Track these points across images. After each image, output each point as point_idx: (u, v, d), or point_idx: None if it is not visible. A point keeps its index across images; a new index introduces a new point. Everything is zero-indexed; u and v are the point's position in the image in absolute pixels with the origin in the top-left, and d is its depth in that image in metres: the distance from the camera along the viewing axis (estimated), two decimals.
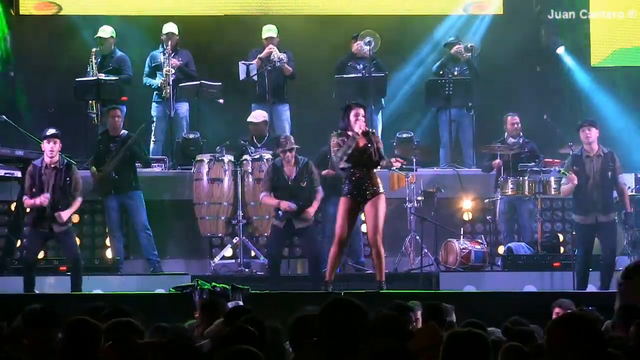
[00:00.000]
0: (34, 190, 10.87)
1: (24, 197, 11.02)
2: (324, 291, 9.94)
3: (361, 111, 9.93)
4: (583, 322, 4.14)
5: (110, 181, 11.98)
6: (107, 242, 12.40)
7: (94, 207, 12.68)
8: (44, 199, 10.78)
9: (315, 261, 11.47)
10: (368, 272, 11.96)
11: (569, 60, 14.72)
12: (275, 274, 11.45)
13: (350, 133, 9.84)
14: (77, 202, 11.10)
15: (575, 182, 11.17)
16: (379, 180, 9.98)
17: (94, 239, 12.75)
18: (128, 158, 12.03)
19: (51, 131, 10.89)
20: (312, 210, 11.38)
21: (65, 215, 10.85)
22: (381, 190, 9.92)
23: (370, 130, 10.10)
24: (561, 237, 12.79)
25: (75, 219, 11.98)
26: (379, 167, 10.08)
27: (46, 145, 10.86)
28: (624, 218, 11.74)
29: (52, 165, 10.87)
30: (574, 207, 11.52)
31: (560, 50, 14.74)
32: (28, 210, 11.18)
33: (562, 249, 12.63)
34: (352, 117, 9.89)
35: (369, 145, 9.83)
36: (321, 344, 4.32)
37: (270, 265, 11.57)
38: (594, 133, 11.24)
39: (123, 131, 12.19)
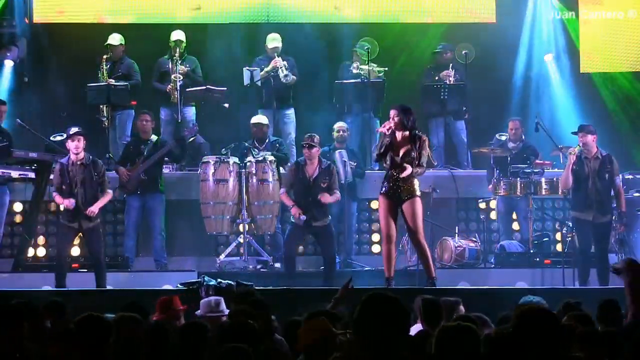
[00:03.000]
0: (63, 187, 10.98)
1: (54, 194, 11.11)
2: (386, 287, 10.04)
3: (392, 112, 9.88)
4: (548, 316, 4.47)
5: (138, 181, 12.26)
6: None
7: (116, 207, 12.92)
8: (68, 203, 10.90)
9: (330, 261, 11.66)
10: (357, 269, 12.36)
11: (555, 68, 14.84)
12: (290, 270, 11.59)
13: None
14: (108, 195, 11.24)
15: (574, 157, 11.36)
16: (415, 183, 9.93)
17: (116, 237, 12.99)
18: (160, 160, 12.32)
19: (74, 129, 11.03)
20: (322, 199, 11.52)
21: (95, 208, 10.96)
22: (417, 193, 9.93)
23: (422, 136, 10.03)
24: (551, 236, 13.06)
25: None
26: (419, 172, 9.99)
27: (71, 144, 10.99)
28: (616, 217, 11.90)
29: (79, 162, 10.98)
30: (573, 204, 11.74)
31: (548, 57, 14.87)
32: (62, 208, 11.27)
33: (552, 247, 12.90)
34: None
35: (412, 150, 9.89)
36: (361, 339, 4.12)
37: (285, 261, 11.72)
38: (589, 139, 11.45)
39: (153, 136, 12.53)
